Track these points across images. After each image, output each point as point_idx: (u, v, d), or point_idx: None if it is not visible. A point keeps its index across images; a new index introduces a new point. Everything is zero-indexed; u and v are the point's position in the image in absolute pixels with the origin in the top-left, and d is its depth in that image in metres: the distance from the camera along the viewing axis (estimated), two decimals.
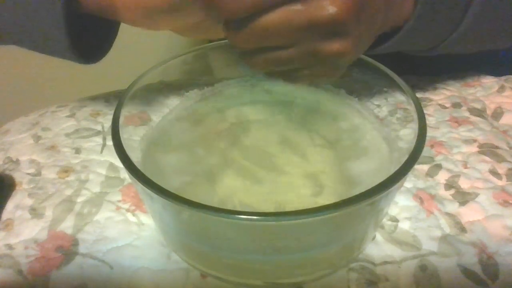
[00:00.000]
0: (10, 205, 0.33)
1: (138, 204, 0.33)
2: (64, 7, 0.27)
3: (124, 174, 0.36)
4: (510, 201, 0.32)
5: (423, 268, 0.28)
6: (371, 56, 0.31)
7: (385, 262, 0.29)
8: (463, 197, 0.33)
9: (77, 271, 0.29)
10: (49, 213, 0.32)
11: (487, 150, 0.37)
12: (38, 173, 0.36)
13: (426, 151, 0.37)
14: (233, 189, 0.29)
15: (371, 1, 0.25)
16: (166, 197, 0.21)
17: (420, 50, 0.37)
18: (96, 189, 0.34)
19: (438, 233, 0.30)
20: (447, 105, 0.43)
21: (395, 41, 0.33)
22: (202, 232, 0.25)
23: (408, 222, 0.31)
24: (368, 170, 0.30)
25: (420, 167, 0.36)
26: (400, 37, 0.32)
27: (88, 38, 0.32)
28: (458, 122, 0.40)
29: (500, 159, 0.36)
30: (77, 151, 0.38)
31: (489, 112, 0.42)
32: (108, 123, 0.41)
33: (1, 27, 0.30)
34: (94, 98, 0.45)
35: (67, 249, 0.30)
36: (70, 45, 0.29)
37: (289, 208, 0.20)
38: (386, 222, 0.31)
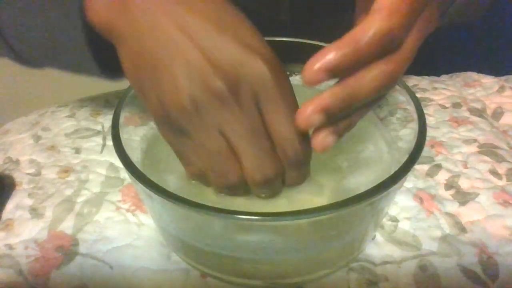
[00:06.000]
0: (10, 205, 0.33)
1: (138, 204, 0.33)
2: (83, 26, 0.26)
3: (124, 174, 0.36)
4: (510, 201, 0.32)
5: (423, 268, 0.28)
6: None
7: (385, 262, 0.29)
8: (463, 197, 0.33)
9: (77, 271, 0.29)
10: (49, 213, 0.32)
11: (487, 150, 0.37)
12: (38, 173, 0.36)
13: (426, 151, 0.37)
14: None
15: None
16: (165, 197, 0.21)
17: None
18: (96, 189, 0.34)
19: (438, 233, 0.30)
20: (447, 105, 0.43)
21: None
22: (201, 232, 0.25)
23: (408, 222, 0.31)
24: (368, 171, 0.30)
25: (420, 167, 0.36)
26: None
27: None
28: (458, 122, 0.40)
29: (500, 159, 0.36)
30: (77, 151, 0.38)
31: (489, 112, 0.42)
32: (108, 123, 0.41)
33: (32, 49, 0.30)
34: (94, 98, 0.45)
35: (67, 249, 0.30)
36: (95, 61, 0.28)
37: (289, 208, 0.20)
38: (386, 222, 0.31)
